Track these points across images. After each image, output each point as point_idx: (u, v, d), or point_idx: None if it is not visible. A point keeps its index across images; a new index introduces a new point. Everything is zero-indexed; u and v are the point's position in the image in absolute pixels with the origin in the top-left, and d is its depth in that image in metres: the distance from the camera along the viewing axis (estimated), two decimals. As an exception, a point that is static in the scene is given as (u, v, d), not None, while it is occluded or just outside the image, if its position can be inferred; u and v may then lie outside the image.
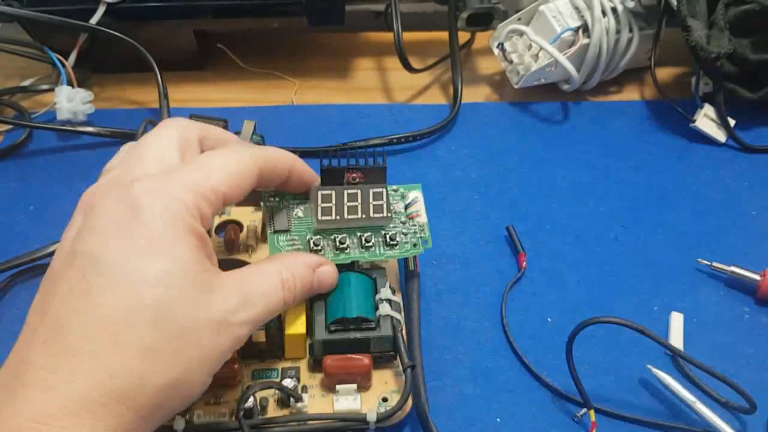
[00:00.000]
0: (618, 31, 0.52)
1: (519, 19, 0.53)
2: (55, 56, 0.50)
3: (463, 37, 0.57)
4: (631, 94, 0.56)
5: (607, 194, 0.48)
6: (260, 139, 0.42)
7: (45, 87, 0.52)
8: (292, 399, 0.33)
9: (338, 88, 0.56)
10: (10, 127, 0.50)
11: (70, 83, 0.50)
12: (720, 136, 0.51)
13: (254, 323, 0.29)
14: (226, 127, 0.41)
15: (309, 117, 0.53)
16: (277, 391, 0.33)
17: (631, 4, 0.52)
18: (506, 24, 0.53)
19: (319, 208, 0.33)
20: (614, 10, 0.52)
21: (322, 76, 0.57)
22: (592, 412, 0.35)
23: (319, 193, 0.33)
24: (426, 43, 0.59)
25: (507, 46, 0.53)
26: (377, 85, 0.56)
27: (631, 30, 0.52)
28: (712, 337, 0.39)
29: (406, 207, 0.36)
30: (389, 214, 0.34)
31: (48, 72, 0.55)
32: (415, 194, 0.37)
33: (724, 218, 0.46)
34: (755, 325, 0.40)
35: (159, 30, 0.52)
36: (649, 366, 0.37)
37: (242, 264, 0.32)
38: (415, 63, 0.54)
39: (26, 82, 0.54)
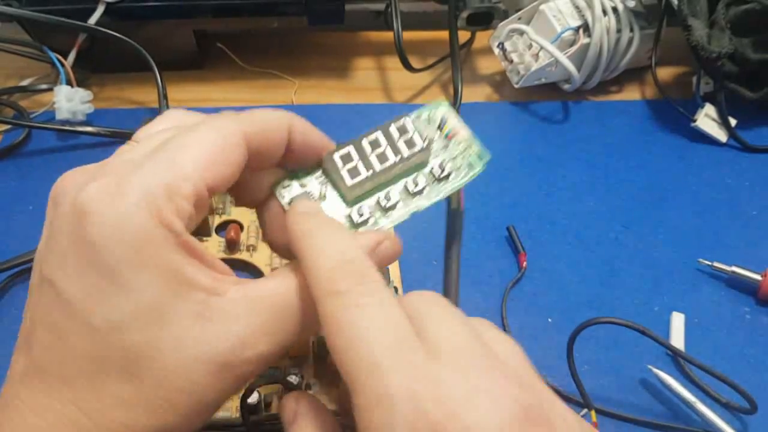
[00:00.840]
0: (619, 31, 0.52)
1: (519, 19, 0.53)
2: (54, 56, 0.50)
3: (463, 36, 0.57)
4: (631, 93, 0.56)
5: (608, 194, 0.47)
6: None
7: (44, 87, 0.52)
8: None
9: (338, 88, 0.56)
10: (9, 126, 0.50)
11: (69, 83, 0.50)
12: (721, 135, 0.51)
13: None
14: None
15: (309, 117, 0.51)
16: (281, 388, 0.33)
17: (631, 4, 0.51)
18: (506, 23, 0.53)
19: (345, 172, 0.27)
20: (615, 9, 0.51)
21: (322, 76, 0.57)
22: (592, 413, 0.35)
23: (336, 156, 0.27)
24: (426, 42, 0.59)
25: (507, 45, 0.53)
26: (377, 85, 0.56)
27: (631, 29, 0.52)
28: (713, 337, 0.39)
29: (440, 129, 0.30)
30: (425, 144, 0.28)
31: (47, 72, 0.54)
32: (443, 111, 0.30)
33: (725, 218, 0.46)
34: (756, 325, 0.40)
35: (158, 30, 0.52)
36: (650, 366, 0.37)
37: (246, 266, 0.31)
38: (415, 63, 0.54)
39: (25, 82, 0.54)
